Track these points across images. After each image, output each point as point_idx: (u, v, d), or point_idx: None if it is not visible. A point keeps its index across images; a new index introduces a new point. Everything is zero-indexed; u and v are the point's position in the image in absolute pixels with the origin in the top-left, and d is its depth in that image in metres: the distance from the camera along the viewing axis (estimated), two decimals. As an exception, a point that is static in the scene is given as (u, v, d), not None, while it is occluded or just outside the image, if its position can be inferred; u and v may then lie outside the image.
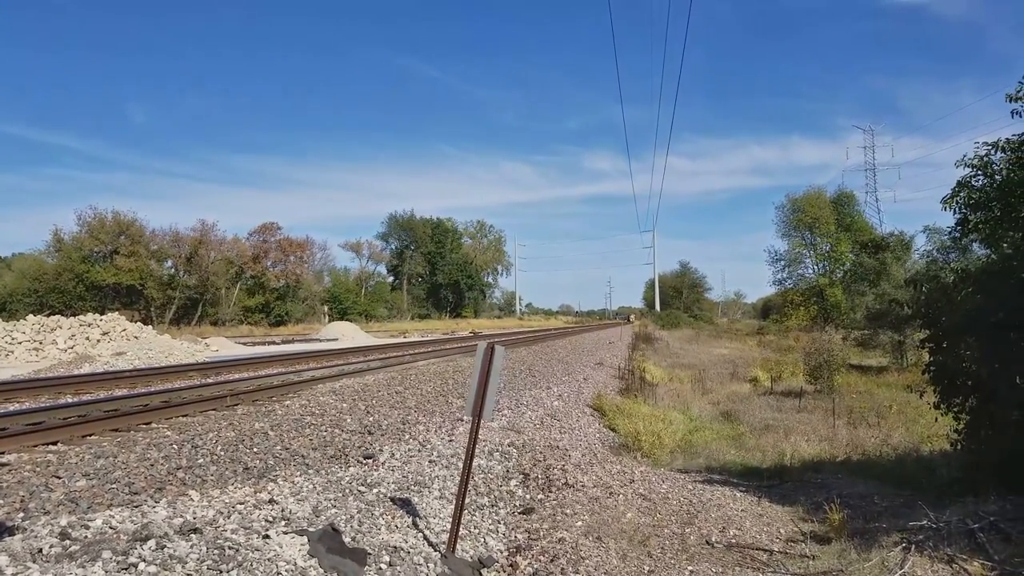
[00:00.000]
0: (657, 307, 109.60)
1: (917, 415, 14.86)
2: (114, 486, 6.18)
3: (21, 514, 5.13)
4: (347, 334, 44.84)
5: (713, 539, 7.48)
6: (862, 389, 21.53)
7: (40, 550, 4.10)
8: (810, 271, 65.81)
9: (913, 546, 6.46)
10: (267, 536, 4.93)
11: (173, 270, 59.60)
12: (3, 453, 7.35)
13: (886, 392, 20.43)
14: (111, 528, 4.70)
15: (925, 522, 6.91)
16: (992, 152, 8.98)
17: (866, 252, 44.63)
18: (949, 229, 10.03)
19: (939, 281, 9.98)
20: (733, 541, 7.46)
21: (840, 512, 7.64)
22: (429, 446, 9.33)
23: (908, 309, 20.14)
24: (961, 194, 9.21)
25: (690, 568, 6.67)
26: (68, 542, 4.30)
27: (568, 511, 7.92)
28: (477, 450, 6.54)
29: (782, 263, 66.27)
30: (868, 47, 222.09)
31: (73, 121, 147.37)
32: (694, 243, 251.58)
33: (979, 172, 9.11)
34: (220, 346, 30.60)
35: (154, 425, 9.51)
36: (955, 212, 9.50)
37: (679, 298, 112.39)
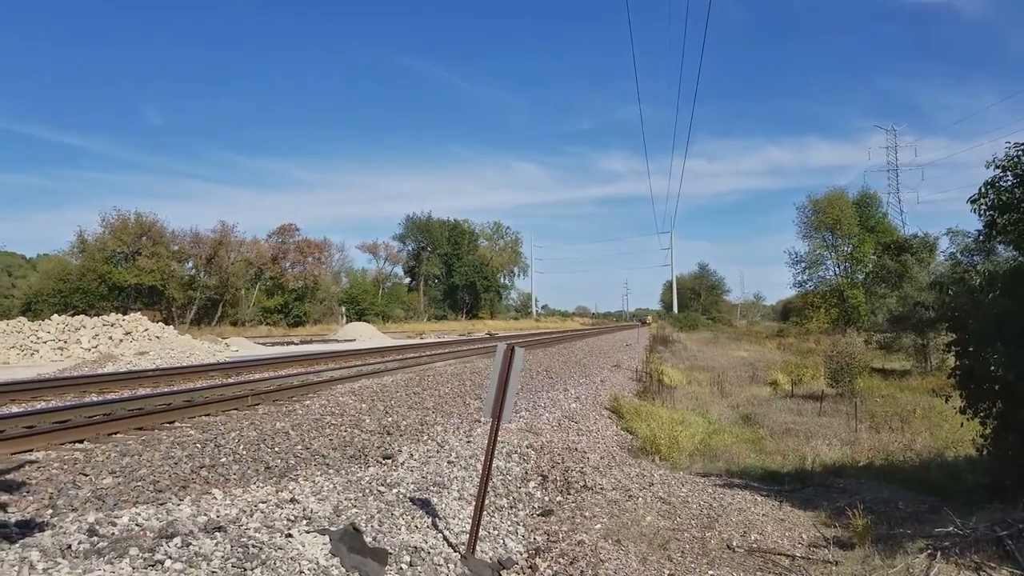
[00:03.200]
0: (675, 309, 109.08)
1: (941, 419, 14.67)
2: (139, 484, 6.26)
3: (50, 511, 5.21)
4: (364, 335, 45.07)
5: (734, 543, 7.43)
6: (885, 393, 21.29)
7: (69, 546, 4.16)
8: (831, 273, 65.20)
9: (939, 553, 6.36)
10: (290, 535, 4.96)
11: (194, 271, 60.28)
12: (31, 451, 7.47)
13: (909, 396, 20.18)
14: (137, 525, 4.76)
15: (951, 528, 6.81)
16: (1022, 153, 8.83)
17: (888, 254, 44.06)
18: (976, 232, 9.87)
19: (965, 284, 9.84)
20: (754, 546, 7.40)
21: (863, 517, 7.55)
22: (447, 447, 9.35)
23: (932, 312, 19.88)
24: (989, 195, 9.06)
25: (711, 572, 6.62)
26: (96, 539, 4.36)
27: (587, 514, 7.89)
28: (495, 451, 6.54)
29: (802, 265, 65.70)
30: (885, 49, 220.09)
31: (93, 123, 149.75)
32: (712, 245, 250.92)
33: (1008, 173, 8.96)
34: (240, 346, 30.88)
35: (177, 424, 9.61)
36: (981, 214, 9.35)
37: (697, 300, 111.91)
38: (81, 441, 8.20)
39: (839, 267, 64.44)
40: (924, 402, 17.77)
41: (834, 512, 8.55)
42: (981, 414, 8.87)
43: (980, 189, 9.08)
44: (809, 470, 11.34)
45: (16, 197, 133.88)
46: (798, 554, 7.16)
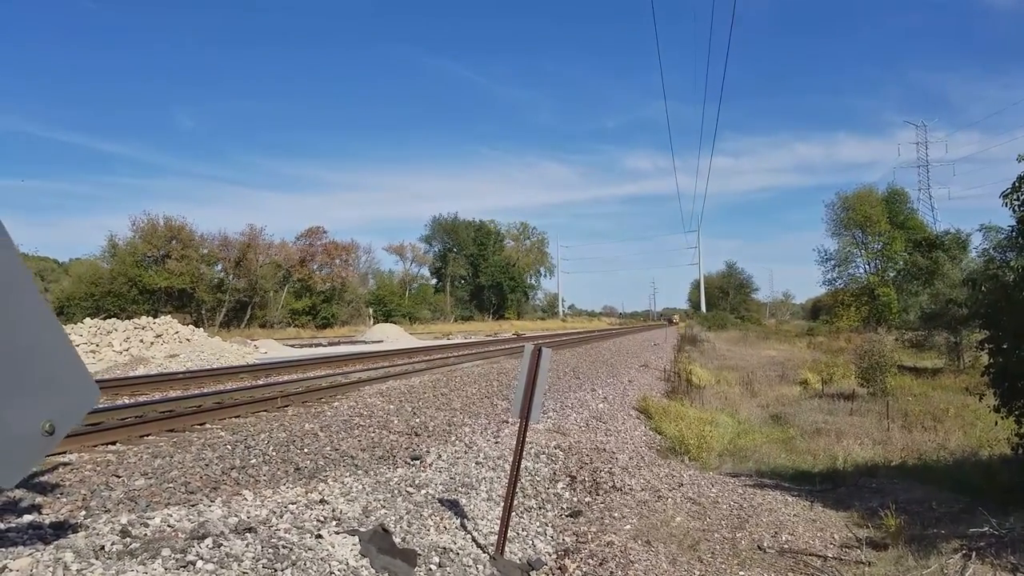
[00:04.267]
0: (703, 308, 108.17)
1: (975, 418, 14.37)
2: (171, 485, 6.34)
3: (83, 512, 5.30)
4: (391, 336, 45.34)
5: (765, 544, 7.35)
6: (917, 391, 20.91)
7: (103, 547, 4.22)
8: (861, 270, 64.30)
9: (974, 553, 6.24)
10: (319, 536, 4.99)
11: (223, 273, 61.03)
12: (65, 452, 7.60)
13: (942, 394, 19.80)
14: (169, 526, 4.82)
15: (986, 529, 6.68)
16: None
17: (919, 251, 43.32)
18: (1009, 228, 9.65)
19: (998, 280, 9.63)
20: (785, 546, 7.31)
21: (896, 518, 7.43)
22: (475, 448, 9.36)
23: (965, 309, 19.49)
24: (1022, 189, 8.87)
25: (742, 573, 6.56)
26: (129, 540, 4.42)
27: (616, 514, 7.86)
28: (523, 452, 6.53)
29: (832, 263, 64.91)
30: (915, 42, 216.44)
31: (126, 129, 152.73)
32: (740, 243, 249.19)
33: (1043, 166, 8.75)
34: (269, 348, 31.24)
35: (208, 426, 9.73)
36: (1015, 209, 9.16)
37: (725, 299, 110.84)
38: (113, 443, 8.32)
39: (869, 265, 63.55)
40: (957, 401, 17.42)
41: (866, 512, 8.43)
42: (1016, 412, 8.70)
43: (1013, 184, 8.89)
44: (840, 470, 11.18)
45: (49, 203, 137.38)
46: (830, 555, 7.06)
